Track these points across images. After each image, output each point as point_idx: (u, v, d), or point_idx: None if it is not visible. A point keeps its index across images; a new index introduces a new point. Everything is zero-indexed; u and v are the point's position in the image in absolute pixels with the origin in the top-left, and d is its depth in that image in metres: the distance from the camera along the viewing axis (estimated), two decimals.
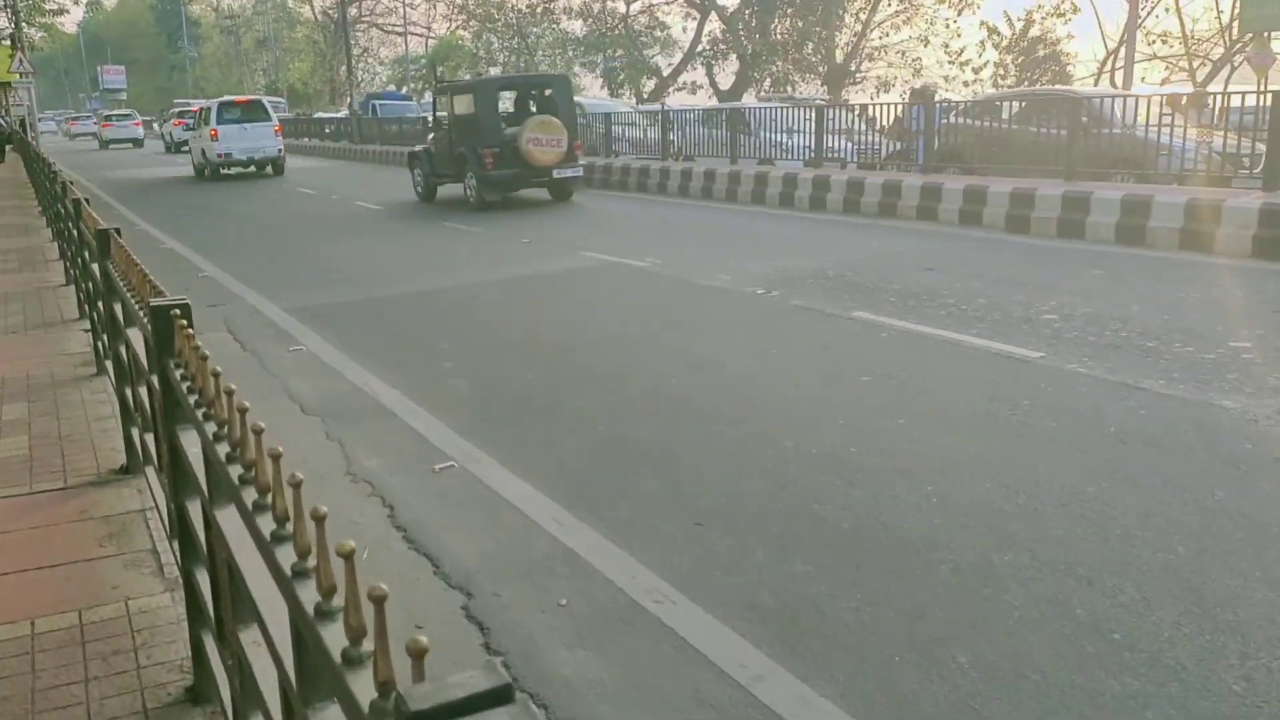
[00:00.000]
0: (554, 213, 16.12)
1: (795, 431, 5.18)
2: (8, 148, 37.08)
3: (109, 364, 5.28)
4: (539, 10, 49.54)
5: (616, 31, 46.00)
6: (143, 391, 3.54)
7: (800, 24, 37.41)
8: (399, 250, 12.84)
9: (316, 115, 44.17)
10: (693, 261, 10.60)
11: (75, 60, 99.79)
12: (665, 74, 44.94)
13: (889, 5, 33.79)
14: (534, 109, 17.55)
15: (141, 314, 2.75)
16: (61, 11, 46.92)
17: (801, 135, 16.81)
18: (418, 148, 19.21)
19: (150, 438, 3.38)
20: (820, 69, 36.63)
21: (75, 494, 4.24)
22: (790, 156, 16.85)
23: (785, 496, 4.38)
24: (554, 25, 50.22)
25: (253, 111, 25.80)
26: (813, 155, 16.42)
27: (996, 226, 12.17)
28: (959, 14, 32.14)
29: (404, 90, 54.17)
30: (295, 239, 14.28)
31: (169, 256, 12.37)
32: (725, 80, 40.86)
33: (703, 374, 6.49)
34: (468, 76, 61.54)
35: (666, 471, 4.75)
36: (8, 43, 36.90)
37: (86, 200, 6.10)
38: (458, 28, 67.86)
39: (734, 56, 39.79)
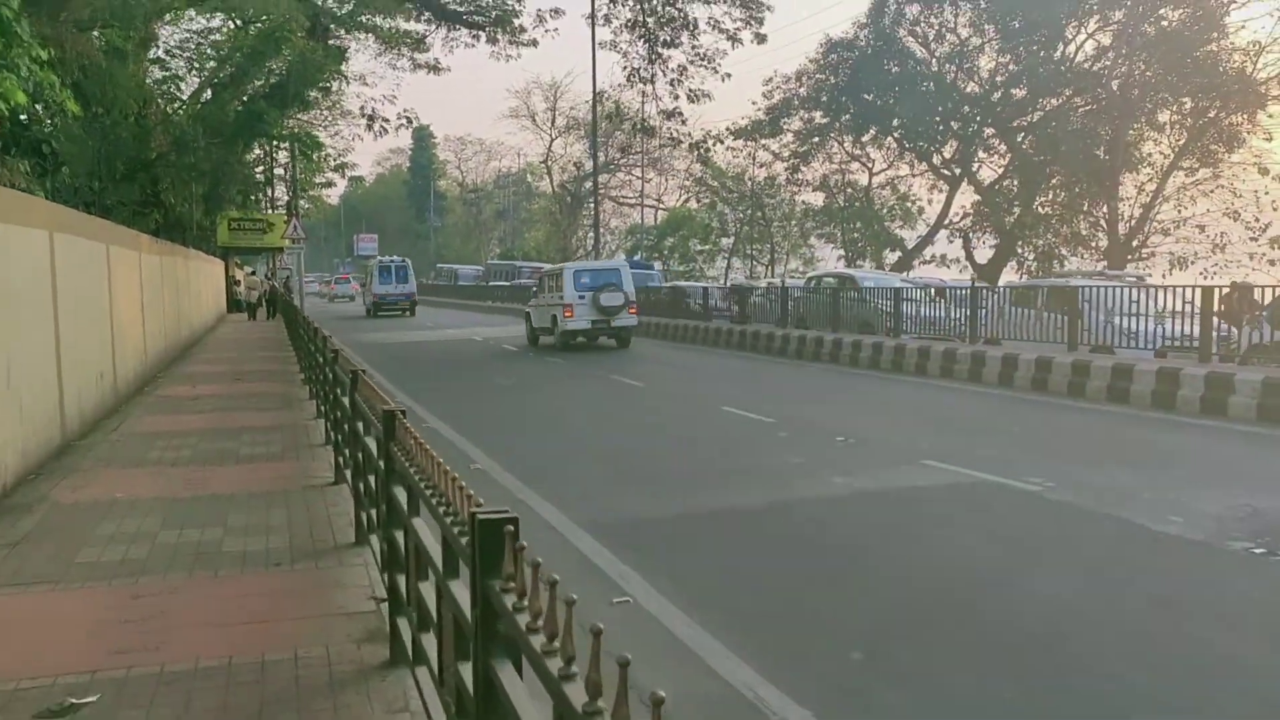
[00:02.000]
0: (866, 403, 13.91)
1: None
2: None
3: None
4: (778, 182, 49.06)
5: (857, 204, 44.56)
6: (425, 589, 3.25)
7: (1064, 195, 34.62)
8: (687, 439, 10.83)
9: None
10: (1105, 488, 7.95)
11: (334, 228, 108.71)
12: (911, 246, 42.82)
13: (1188, 175, 30.38)
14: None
15: (451, 523, 2.49)
16: (329, 185, 50.39)
17: (1142, 319, 14.13)
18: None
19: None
20: (1095, 243, 33.43)
21: None
22: (1136, 343, 14.01)
23: None
24: (790, 196, 49.64)
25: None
26: (1167, 341, 13.60)
27: None
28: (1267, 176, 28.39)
29: (639, 257, 54.50)
30: (560, 413, 12.62)
31: (429, 437, 10.81)
32: (982, 255, 38.20)
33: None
34: (703, 246, 62.23)
35: None
36: (283, 211, 39.39)
37: (363, 371, 5.49)
38: (687, 199, 69.42)
39: (989, 229, 37.17)
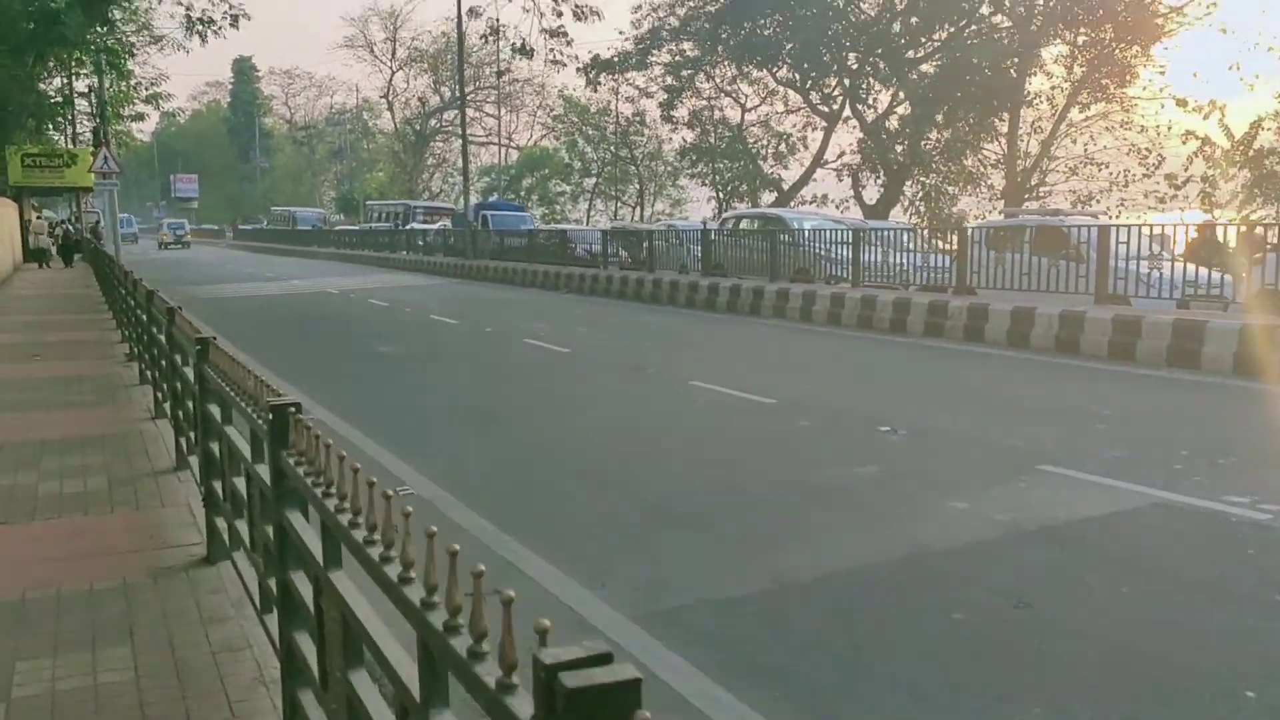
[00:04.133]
0: (870, 373, 11.33)
1: None
2: (77, 256, 33.82)
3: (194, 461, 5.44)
4: (648, 119, 46.13)
5: (728, 142, 42.20)
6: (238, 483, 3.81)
7: (951, 132, 33.12)
8: (685, 438, 7.99)
9: (411, 227, 40.43)
10: None
11: (146, 168, 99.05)
12: (788, 187, 40.87)
13: (1080, 110, 29.16)
14: None
15: (255, 415, 3.08)
16: (139, 117, 44.15)
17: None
18: None
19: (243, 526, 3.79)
20: (987, 181, 32.14)
21: None
22: (1150, 292, 12.04)
23: None
24: (660, 134, 46.81)
25: None
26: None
27: None
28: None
29: (494, 197, 50.53)
30: (488, 396, 9.55)
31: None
32: (868, 195, 36.52)
33: None
34: (565, 187, 58.73)
35: None
36: (88, 145, 33.77)
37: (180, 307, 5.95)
38: (542, 137, 65.57)
39: (878, 166, 35.42)
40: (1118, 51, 28.59)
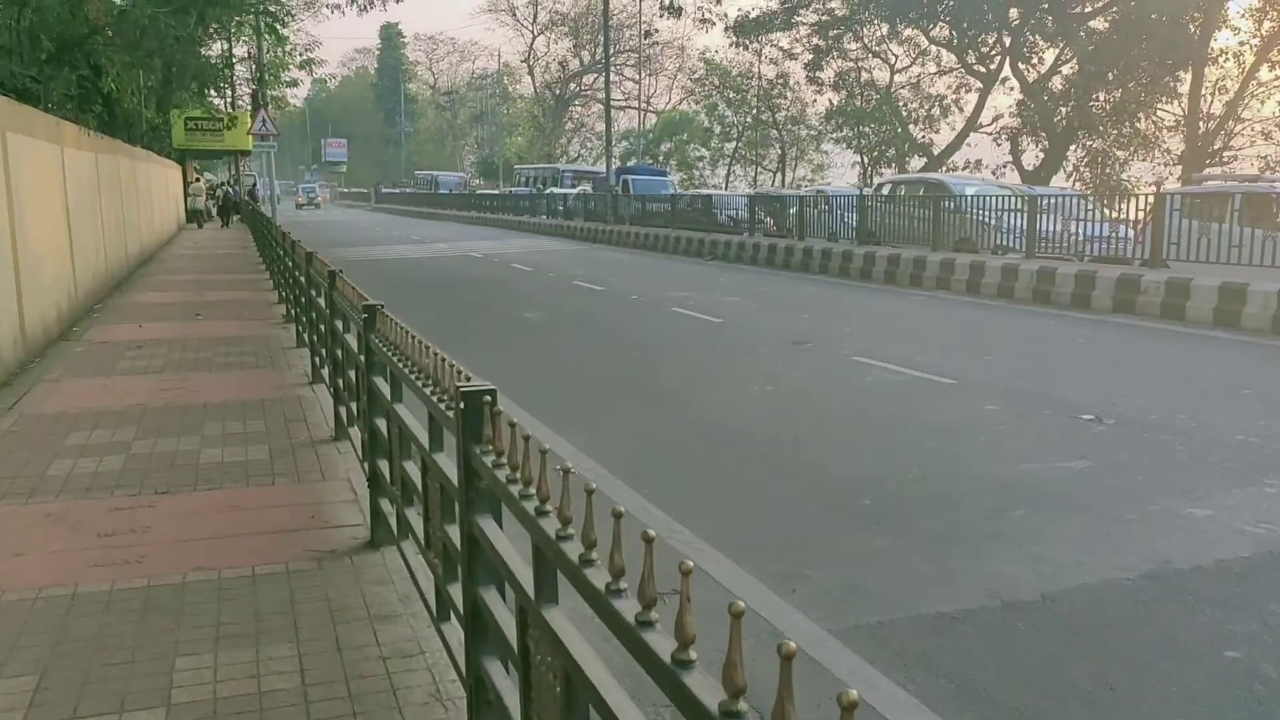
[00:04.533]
0: (1055, 353, 10.41)
1: None
2: (235, 218, 35.09)
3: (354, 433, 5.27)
4: (791, 81, 44.83)
5: (876, 104, 40.55)
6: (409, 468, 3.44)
7: (1121, 92, 30.79)
8: (883, 426, 7.35)
9: (550, 191, 40.48)
10: None
11: (299, 133, 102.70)
12: (938, 152, 39.07)
13: (1271, 68, 26.70)
14: None
15: (436, 399, 2.74)
16: (294, 83, 45.39)
17: None
18: None
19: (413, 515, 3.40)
20: (1161, 144, 29.84)
21: None
22: None
23: None
24: (805, 96, 45.40)
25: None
26: None
27: None
28: None
29: (633, 162, 50.08)
30: (643, 369, 9.09)
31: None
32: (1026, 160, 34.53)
33: None
34: (704, 151, 57.91)
35: None
36: (246, 110, 34.84)
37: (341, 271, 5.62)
38: (681, 101, 64.71)
39: (1040, 130, 33.35)
40: None
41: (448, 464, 2.70)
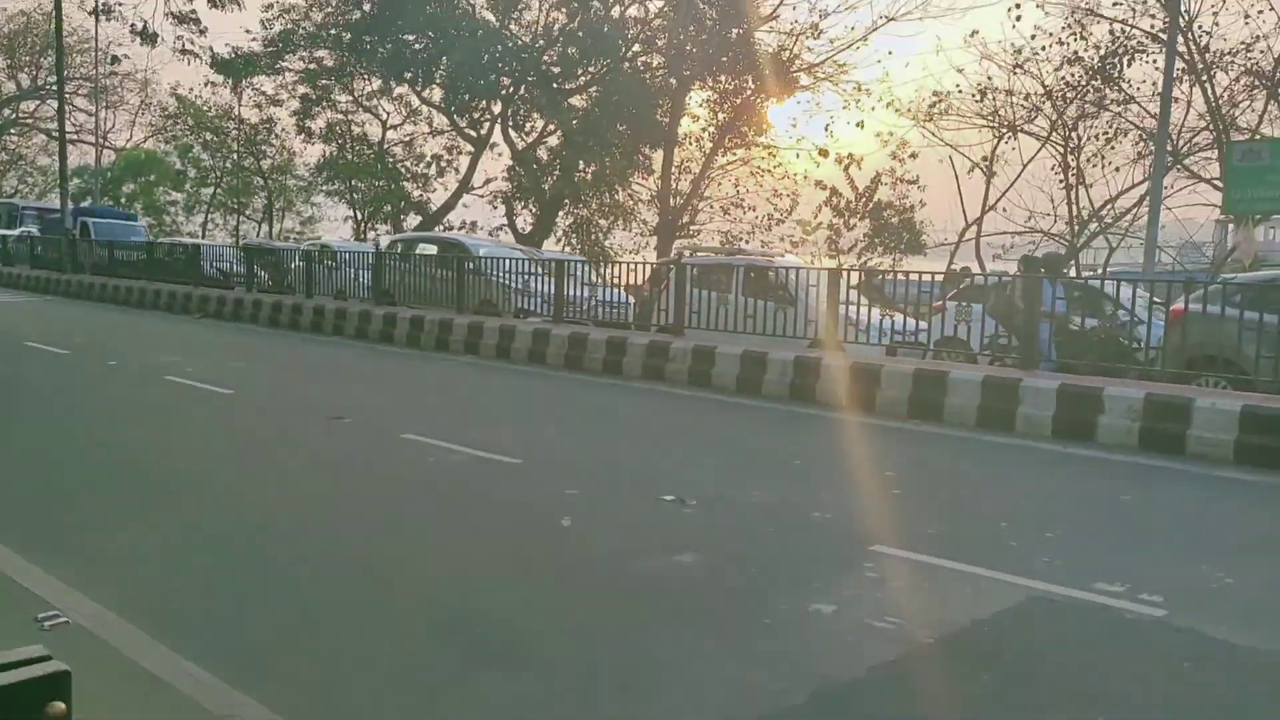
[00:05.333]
0: (601, 422, 10.09)
1: None
2: None
3: None
4: (278, 129, 42.24)
5: (368, 159, 39.79)
6: None
7: (599, 166, 33.30)
8: (459, 521, 6.36)
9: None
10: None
11: None
12: (434, 210, 39.21)
13: (723, 154, 30.44)
14: None
15: None
16: None
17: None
18: None
19: None
20: (637, 216, 32.63)
21: None
22: (868, 338, 12.09)
23: None
24: (293, 145, 42.99)
25: None
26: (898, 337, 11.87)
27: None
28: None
29: (87, 202, 43.61)
30: (132, 451, 7.21)
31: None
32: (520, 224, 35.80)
33: None
34: (178, 195, 52.34)
35: None
36: None
37: None
38: (145, 140, 58.29)
39: (531, 196, 34.83)
40: (757, 101, 30.25)
41: None
